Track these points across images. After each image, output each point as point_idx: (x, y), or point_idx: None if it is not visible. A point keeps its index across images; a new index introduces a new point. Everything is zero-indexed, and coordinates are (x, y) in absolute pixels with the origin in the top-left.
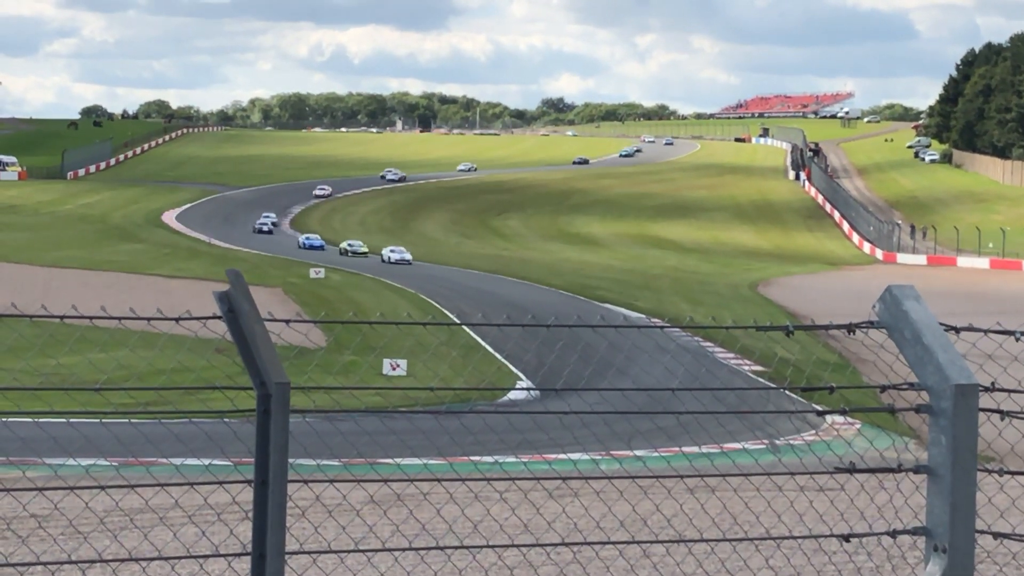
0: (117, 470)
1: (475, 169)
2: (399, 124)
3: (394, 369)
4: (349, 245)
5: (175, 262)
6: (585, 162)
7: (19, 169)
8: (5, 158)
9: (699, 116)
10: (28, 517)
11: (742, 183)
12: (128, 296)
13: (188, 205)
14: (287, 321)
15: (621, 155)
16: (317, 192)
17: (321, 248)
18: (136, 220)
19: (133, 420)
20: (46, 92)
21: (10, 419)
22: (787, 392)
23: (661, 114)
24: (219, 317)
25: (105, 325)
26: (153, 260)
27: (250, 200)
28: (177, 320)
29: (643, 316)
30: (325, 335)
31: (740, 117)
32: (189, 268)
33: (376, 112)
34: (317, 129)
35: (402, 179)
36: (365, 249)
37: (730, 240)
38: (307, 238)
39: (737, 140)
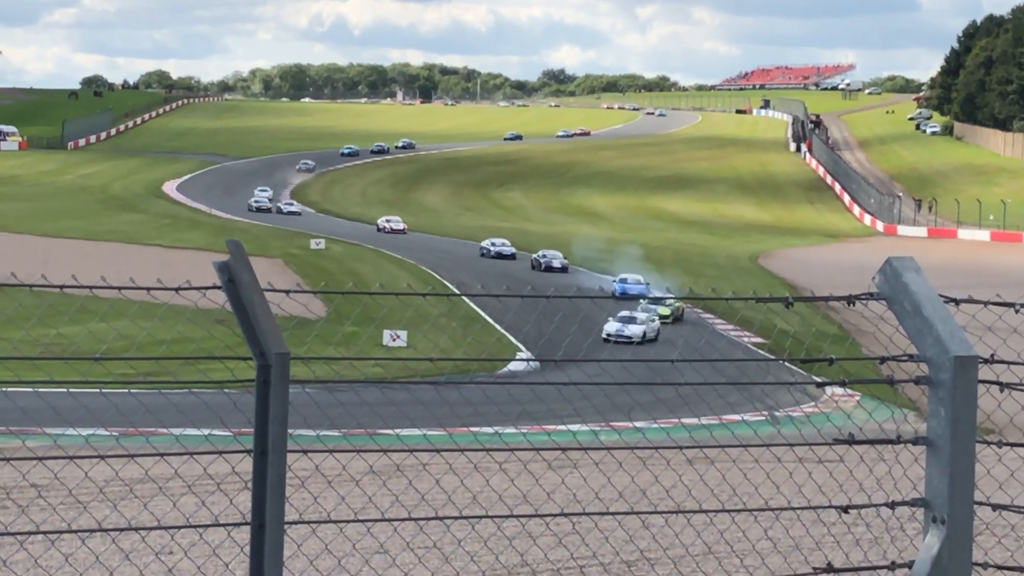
0: (117, 440)
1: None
2: (400, 95)
3: (394, 340)
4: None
5: (175, 233)
6: (519, 137)
7: (19, 139)
8: (5, 128)
9: (700, 88)
10: (28, 487)
11: (743, 155)
12: (128, 266)
13: (188, 176)
14: (287, 291)
15: (559, 136)
16: (300, 167)
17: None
18: (136, 190)
19: (133, 390)
20: (46, 62)
21: (10, 389)
22: (786, 364)
23: (662, 86)
24: (219, 287)
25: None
26: (153, 231)
27: (250, 171)
28: (177, 290)
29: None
30: (325, 306)
31: (741, 89)
32: (189, 239)
33: (377, 83)
34: (307, 99)
35: (385, 151)
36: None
37: (731, 212)
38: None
39: (738, 112)
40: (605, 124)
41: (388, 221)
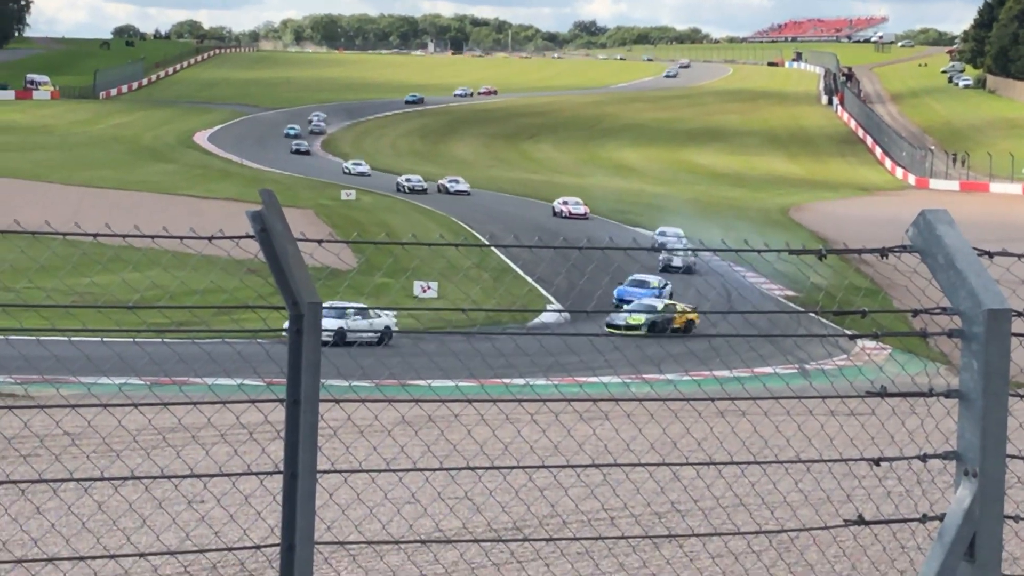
0: (150, 388)
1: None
2: (430, 46)
3: (425, 291)
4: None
5: (207, 183)
6: (420, 101)
7: (51, 89)
8: (38, 78)
9: (731, 40)
10: (61, 434)
11: (775, 108)
12: (160, 216)
13: (220, 126)
14: (319, 241)
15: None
16: (312, 119)
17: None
18: (168, 141)
19: (166, 339)
20: (78, 11)
21: (44, 337)
22: (819, 317)
23: (693, 38)
24: (252, 236)
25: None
26: (185, 181)
27: (282, 122)
28: (210, 239)
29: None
30: (356, 256)
31: (773, 41)
32: (221, 189)
33: (408, 34)
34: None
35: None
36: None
37: (762, 165)
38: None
39: (770, 64)
40: (634, 77)
41: (452, 182)
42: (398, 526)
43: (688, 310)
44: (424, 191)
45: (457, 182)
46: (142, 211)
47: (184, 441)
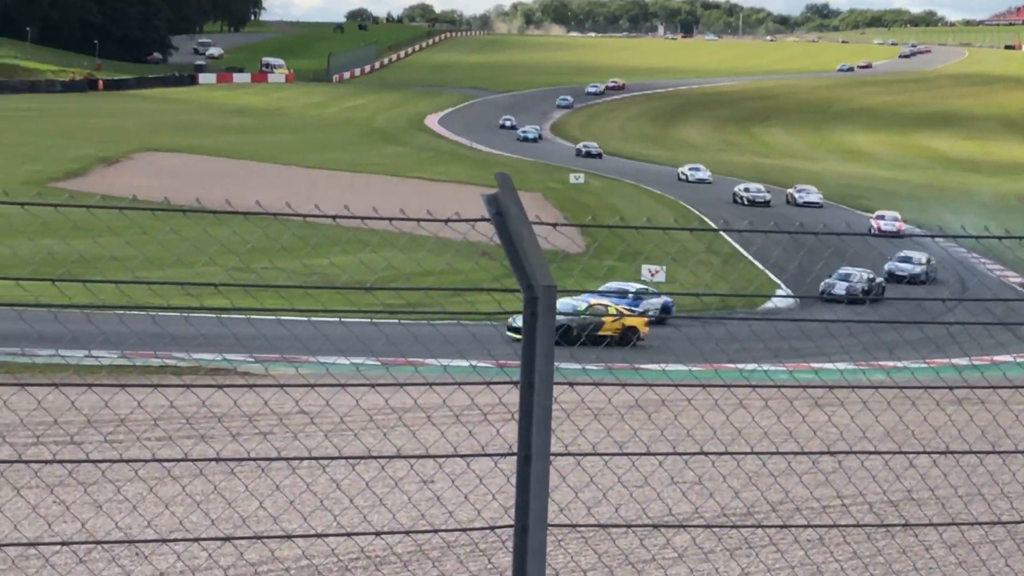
0: (387, 369)
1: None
2: (660, 30)
3: (653, 275)
4: (691, 169)
5: (437, 165)
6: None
7: (286, 72)
8: (273, 61)
9: (967, 23)
10: (298, 413)
11: (1012, 92)
12: (390, 198)
13: (450, 109)
14: (554, 224)
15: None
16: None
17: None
18: (399, 123)
19: (402, 320)
20: None
21: (284, 317)
22: None
23: (928, 20)
24: (487, 219)
25: (373, 226)
26: (415, 163)
27: (510, 105)
28: (446, 222)
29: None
30: (584, 240)
31: (1011, 24)
32: (451, 171)
33: (637, 17)
34: (540, 32)
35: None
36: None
37: (998, 151)
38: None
39: (1007, 48)
40: (865, 59)
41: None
42: (630, 509)
43: (628, 313)
44: (767, 203)
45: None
46: (374, 193)
47: (420, 421)
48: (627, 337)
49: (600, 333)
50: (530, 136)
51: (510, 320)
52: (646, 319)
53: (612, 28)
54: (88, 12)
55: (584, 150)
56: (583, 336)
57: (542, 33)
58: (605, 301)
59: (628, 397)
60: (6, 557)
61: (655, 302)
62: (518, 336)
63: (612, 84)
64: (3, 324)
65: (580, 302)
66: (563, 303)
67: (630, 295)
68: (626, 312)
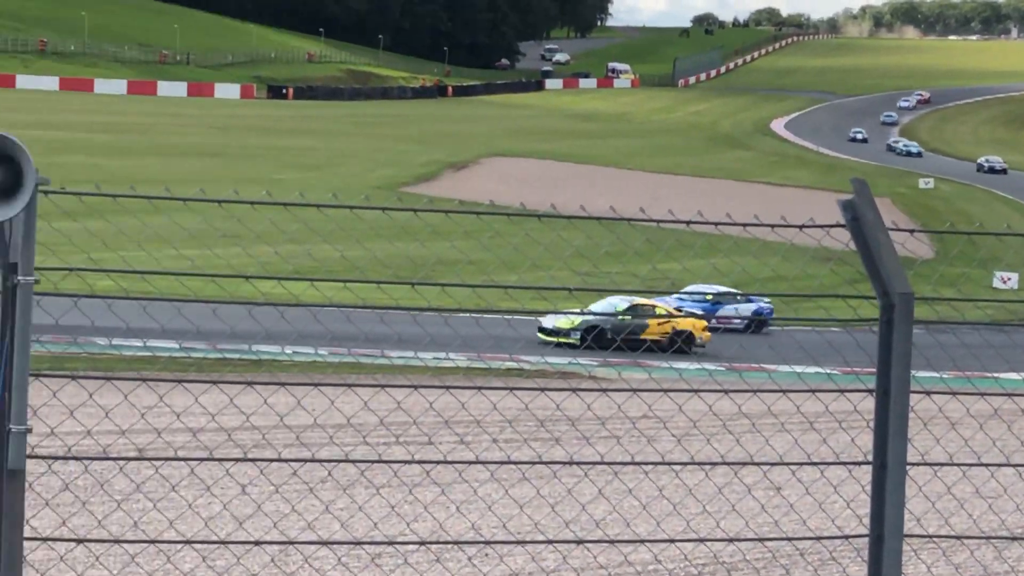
0: (740, 375)
1: None
2: (1014, 31)
3: (1005, 283)
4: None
5: (781, 170)
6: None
7: (632, 77)
8: (619, 66)
9: None
10: (643, 417)
11: None
12: (730, 203)
13: (796, 113)
14: (911, 231)
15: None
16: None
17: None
18: (744, 128)
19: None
20: (659, 1)
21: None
22: None
23: None
24: (842, 225)
25: (726, 232)
26: (759, 168)
27: (858, 109)
28: (801, 227)
29: None
30: (932, 246)
31: None
32: (795, 176)
33: (990, 19)
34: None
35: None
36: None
37: None
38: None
39: None
40: None
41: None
42: (988, 521)
43: (677, 314)
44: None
45: None
46: (716, 197)
47: (772, 428)
48: (678, 341)
49: (642, 336)
50: (859, 137)
51: (540, 321)
52: (704, 324)
53: (964, 30)
54: (438, 20)
55: (987, 165)
56: (617, 340)
57: (893, 36)
58: (653, 301)
59: (987, 406)
60: (363, 555)
61: (744, 308)
62: (548, 338)
63: (919, 96)
64: (365, 326)
65: (622, 302)
66: (602, 303)
67: (708, 299)
68: (676, 314)
